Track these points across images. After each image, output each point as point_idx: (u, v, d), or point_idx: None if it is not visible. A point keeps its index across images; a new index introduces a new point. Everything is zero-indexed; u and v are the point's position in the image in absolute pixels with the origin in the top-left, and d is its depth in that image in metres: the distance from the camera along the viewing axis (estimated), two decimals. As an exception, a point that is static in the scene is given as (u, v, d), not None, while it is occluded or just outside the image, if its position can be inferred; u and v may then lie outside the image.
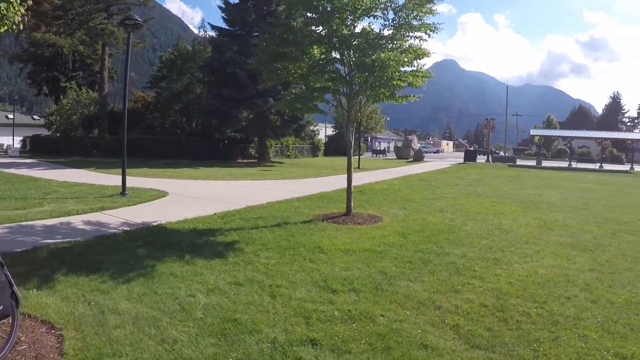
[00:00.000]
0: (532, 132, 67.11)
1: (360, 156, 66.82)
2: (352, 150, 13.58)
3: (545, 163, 58.14)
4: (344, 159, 37.29)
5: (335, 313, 5.82)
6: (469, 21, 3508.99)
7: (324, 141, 66.36)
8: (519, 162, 58.06)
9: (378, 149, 76.28)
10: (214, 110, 38.16)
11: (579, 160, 62.07)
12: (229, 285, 6.69)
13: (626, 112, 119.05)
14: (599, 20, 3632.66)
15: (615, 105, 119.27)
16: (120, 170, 16.14)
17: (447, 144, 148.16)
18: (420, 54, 12.10)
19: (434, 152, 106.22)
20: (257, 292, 6.41)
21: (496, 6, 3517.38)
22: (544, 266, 8.43)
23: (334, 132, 75.57)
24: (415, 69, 12.25)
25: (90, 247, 8.58)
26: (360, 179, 25.33)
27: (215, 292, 6.42)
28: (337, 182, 22.67)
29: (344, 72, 12.32)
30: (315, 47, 12.17)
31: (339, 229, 10.79)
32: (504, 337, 5.35)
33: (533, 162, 55.81)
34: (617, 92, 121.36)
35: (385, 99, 12.97)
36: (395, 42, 11.93)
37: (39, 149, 49.24)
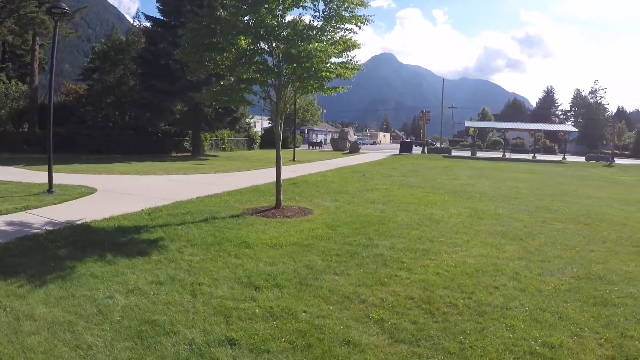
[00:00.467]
0: (467, 124, 68.69)
1: (297, 148, 66.89)
2: (280, 143, 13.21)
3: (480, 154, 59.52)
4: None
5: (257, 311, 5.57)
6: (408, 16, 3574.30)
7: (260, 134, 65.59)
8: (454, 153, 59.17)
9: (315, 141, 76.01)
10: (146, 103, 36.98)
11: (513, 151, 63.99)
12: (149, 285, 6.35)
13: (559, 106, 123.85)
14: (534, 19, 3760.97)
15: (548, 99, 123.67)
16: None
17: (384, 136, 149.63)
18: (350, 45, 11.92)
19: (370, 144, 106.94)
20: (177, 291, 6.17)
21: (435, 2, 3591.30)
22: (473, 255, 8.36)
23: (270, 125, 74.90)
24: (345, 60, 12.17)
25: (10, 249, 8.04)
26: (294, 171, 25.18)
27: (135, 293, 6.07)
28: (271, 174, 21.98)
29: (272, 63, 12.06)
30: (242, 37, 11.75)
31: (268, 223, 10.57)
32: (429, 330, 5.17)
33: (468, 153, 57.10)
34: (551, 87, 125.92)
35: (314, 91, 12.75)
36: (325, 33, 11.73)
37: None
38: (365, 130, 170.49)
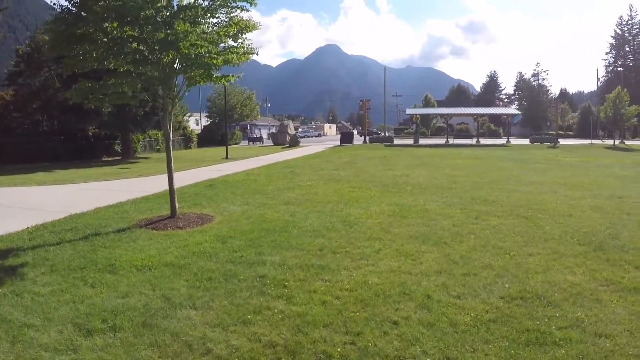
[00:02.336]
0: (409, 111, 67.84)
1: (236, 145, 64.91)
2: (171, 143, 11.55)
3: (424, 141, 58.71)
4: (218, 150, 35.92)
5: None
6: (352, 6, 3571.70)
7: (197, 132, 63.09)
8: (397, 141, 58.13)
9: (254, 136, 73.77)
10: (71, 106, 34.42)
11: (458, 137, 63.34)
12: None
13: (503, 90, 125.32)
14: (478, 6, 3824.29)
15: (492, 84, 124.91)
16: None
17: (330, 127, 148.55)
18: (243, 27, 10.49)
19: (315, 136, 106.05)
20: (-2, 338, 4.91)
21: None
22: (380, 271, 6.67)
23: (209, 122, 72.44)
24: (235, 45, 10.84)
25: None
26: (221, 170, 23.47)
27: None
28: (195, 176, 20.86)
29: (147, 52, 10.27)
30: (113, 23, 9.85)
31: (153, 237, 9.18)
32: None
33: (411, 141, 55.92)
34: (494, 71, 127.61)
35: (202, 81, 11.04)
36: (213, 14, 10.35)
37: None
38: (311, 123, 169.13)
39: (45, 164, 32.83)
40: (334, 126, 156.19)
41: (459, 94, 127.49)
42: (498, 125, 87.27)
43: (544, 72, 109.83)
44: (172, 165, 11.39)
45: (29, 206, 13.81)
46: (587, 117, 78.49)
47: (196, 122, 78.41)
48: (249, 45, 10.89)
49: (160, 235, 9.32)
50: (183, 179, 19.37)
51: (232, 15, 10.50)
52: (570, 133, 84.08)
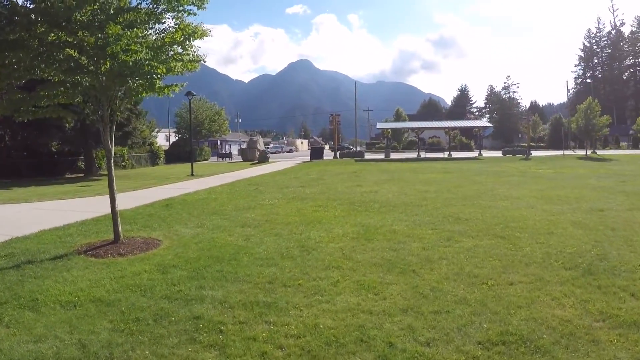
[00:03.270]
0: (380, 125, 67.22)
1: (205, 161, 63.61)
2: (112, 161, 10.54)
3: (395, 155, 58.15)
4: (185, 166, 34.73)
5: None
6: (324, 22, 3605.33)
7: (164, 148, 61.57)
8: (368, 156, 57.47)
9: (224, 152, 72.57)
10: (32, 121, 32.75)
11: (430, 150, 63.02)
12: None
13: (474, 103, 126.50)
14: (448, 21, 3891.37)
15: (463, 97, 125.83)
16: None
17: (302, 143, 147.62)
18: (190, 32, 9.55)
19: (287, 152, 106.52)
20: None
21: (350, 7, 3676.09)
22: (335, 310, 5.65)
23: (178, 138, 71.07)
24: (181, 51, 9.86)
25: None
26: (183, 188, 22.31)
27: None
28: (155, 194, 19.89)
29: (83, 59, 9.26)
30: (41, 27, 8.87)
31: (90, 266, 8.24)
32: None
33: (383, 156, 55.21)
34: (465, 85, 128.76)
35: (144, 92, 10.04)
36: (156, 18, 9.43)
37: None
38: (283, 138, 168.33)
39: (5, 180, 31.52)
40: (305, 141, 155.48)
41: (430, 108, 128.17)
42: (470, 139, 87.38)
43: (514, 85, 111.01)
44: (115, 185, 10.41)
45: None
46: (558, 128, 79.19)
47: (166, 138, 77.00)
48: (194, 52, 9.96)
49: (98, 263, 8.40)
50: (142, 197, 18.70)
51: (179, 20, 9.56)
52: (542, 144, 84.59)
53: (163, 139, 75.09)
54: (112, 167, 10.39)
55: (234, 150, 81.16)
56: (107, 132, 10.14)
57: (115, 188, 10.36)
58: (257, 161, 51.58)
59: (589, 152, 53.02)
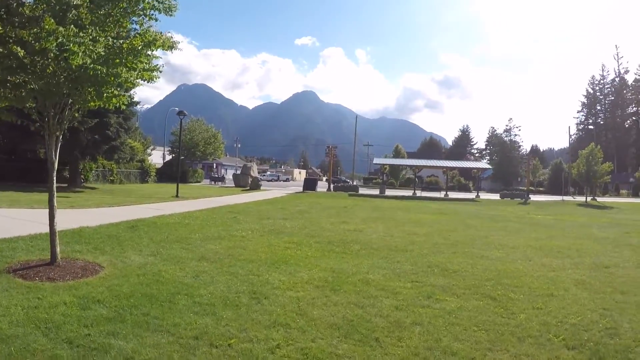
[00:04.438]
0: (376, 160, 65.95)
1: (197, 183, 62.31)
2: (54, 176, 9.42)
3: (392, 192, 56.81)
4: (174, 186, 33.63)
5: None
6: (331, 55, 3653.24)
7: (155, 166, 60.33)
8: (364, 191, 56.06)
9: (216, 176, 71.25)
10: (19, 124, 31.75)
11: (428, 189, 61.60)
12: None
13: (475, 144, 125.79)
14: (454, 62, 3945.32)
15: (464, 138, 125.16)
16: None
17: (300, 173, 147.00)
18: (150, 39, 8.48)
19: (284, 180, 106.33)
20: None
21: (358, 42, 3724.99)
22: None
23: (172, 157, 69.90)
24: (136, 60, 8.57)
25: None
26: (160, 209, 21.10)
27: None
28: (128, 213, 18.89)
29: (28, 59, 8.07)
30: None
31: (9, 289, 7.31)
32: None
33: (378, 191, 53.82)
34: (467, 125, 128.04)
35: (92, 101, 9.07)
36: (115, 22, 8.44)
37: None
38: (281, 167, 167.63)
39: None
40: (304, 172, 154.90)
41: (431, 147, 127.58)
42: (468, 179, 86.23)
43: (516, 127, 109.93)
44: (55, 201, 9.33)
45: None
46: (558, 173, 78.02)
47: (163, 157, 75.88)
48: (149, 61, 8.84)
49: (21, 286, 7.47)
50: (112, 215, 17.99)
51: (139, 25, 8.62)
52: (541, 189, 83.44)
53: (159, 156, 73.93)
54: (54, 181, 9.33)
55: (230, 174, 79.98)
56: (52, 142, 9.14)
57: (55, 205, 9.33)
58: (248, 188, 50.31)
59: (589, 198, 51.84)
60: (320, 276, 8.99)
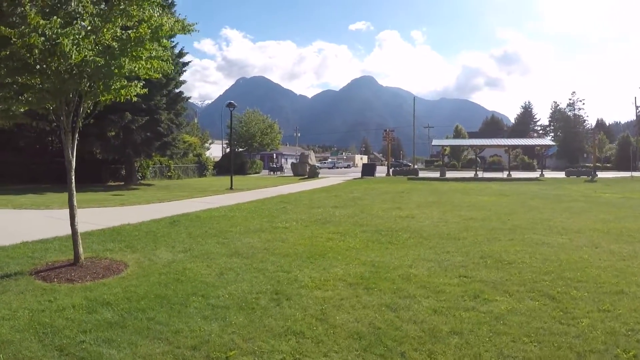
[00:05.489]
0: (435, 142, 63.88)
1: (257, 174, 62.18)
2: (73, 173, 8.87)
3: (453, 174, 55.07)
4: (230, 179, 33.46)
5: None
6: (387, 38, 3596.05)
7: (214, 159, 60.53)
8: (424, 174, 54.57)
9: (274, 166, 70.93)
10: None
11: (490, 170, 59.39)
12: None
13: (538, 121, 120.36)
14: (511, 36, 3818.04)
15: (526, 115, 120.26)
16: None
17: (362, 158, 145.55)
18: (155, 26, 7.86)
19: (344, 167, 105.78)
20: None
21: (413, 23, 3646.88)
22: None
23: (232, 150, 70.22)
24: (149, 50, 8.14)
25: None
26: (209, 203, 20.69)
27: None
28: (176, 208, 18.52)
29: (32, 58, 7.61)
30: None
31: (25, 291, 7.01)
32: None
33: (438, 174, 52.15)
34: (529, 102, 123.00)
35: (103, 96, 8.46)
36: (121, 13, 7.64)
37: None
38: (342, 154, 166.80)
39: (45, 185, 31.81)
40: (365, 157, 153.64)
41: (493, 126, 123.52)
42: (532, 158, 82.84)
43: (580, 101, 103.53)
44: (74, 201, 8.84)
45: None
46: (626, 148, 73.64)
47: (222, 150, 76.31)
48: (159, 50, 8.29)
49: (38, 289, 7.15)
50: (158, 211, 17.56)
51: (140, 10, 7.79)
52: (609, 165, 79.23)
53: (218, 150, 74.33)
54: (73, 181, 8.81)
55: (281, 164, 79.70)
56: (69, 141, 8.58)
57: (75, 204, 8.83)
58: (306, 176, 49.67)
59: (660, 174, 48.56)
60: (356, 272, 8.07)
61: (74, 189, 8.78)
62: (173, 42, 43.30)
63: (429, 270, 8.17)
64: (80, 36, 6.89)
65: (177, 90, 36.38)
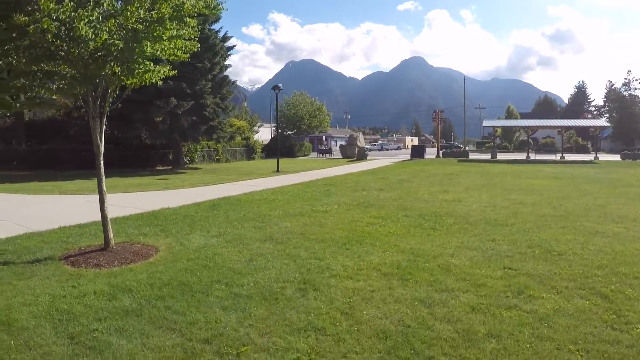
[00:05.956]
0: (486, 123, 61.68)
1: (305, 157, 61.88)
2: (101, 158, 8.82)
3: (504, 156, 53.33)
4: (280, 161, 33.26)
5: None
6: (436, 17, 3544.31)
7: (263, 142, 60.48)
8: (474, 156, 53.07)
9: (323, 148, 70.32)
10: (118, 116, 33.42)
11: (543, 152, 57.41)
12: None
13: (592, 102, 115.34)
14: (563, 14, 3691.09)
15: (580, 95, 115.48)
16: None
17: (412, 140, 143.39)
18: (176, 4, 7.57)
19: (395, 149, 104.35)
20: None
21: (462, 2, 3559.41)
22: None
23: (279, 132, 70.09)
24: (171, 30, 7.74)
25: None
26: (254, 186, 20.52)
27: None
28: (220, 191, 18.32)
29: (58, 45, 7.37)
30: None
31: (53, 276, 6.92)
32: None
33: (489, 156, 50.68)
34: (582, 82, 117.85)
35: (124, 78, 8.15)
36: None
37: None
38: (393, 135, 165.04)
39: (94, 170, 31.54)
40: (416, 139, 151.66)
41: (546, 107, 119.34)
42: (586, 140, 79.66)
43: (636, 80, 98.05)
44: (104, 186, 8.76)
45: (16, 218, 12.38)
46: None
47: (270, 133, 76.36)
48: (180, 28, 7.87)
49: (64, 274, 7.07)
50: (201, 194, 17.38)
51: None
52: (668, 147, 75.58)
53: (267, 133, 74.35)
54: (102, 165, 8.75)
55: (331, 146, 78.98)
56: (97, 126, 8.47)
57: (104, 189, 8.77)
58: (355, 158, 49.01)
59: None
60: (393, 260, 7.57)
61: (102, 174, 8.68)
62: (217, 27, 43.22)
63: (471, 260, 7.59)
64: (94, 18, 6.63)
65: (222, 75, 36.28)
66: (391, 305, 5.53)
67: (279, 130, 68.75)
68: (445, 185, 19.89)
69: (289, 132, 70.22)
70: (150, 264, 7.56)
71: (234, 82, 40.41)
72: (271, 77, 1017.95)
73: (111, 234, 8.69)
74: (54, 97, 9.03)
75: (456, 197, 15.83)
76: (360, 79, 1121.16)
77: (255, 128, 64.33)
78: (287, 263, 7.43)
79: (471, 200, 15.06)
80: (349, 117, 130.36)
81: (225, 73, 36.95)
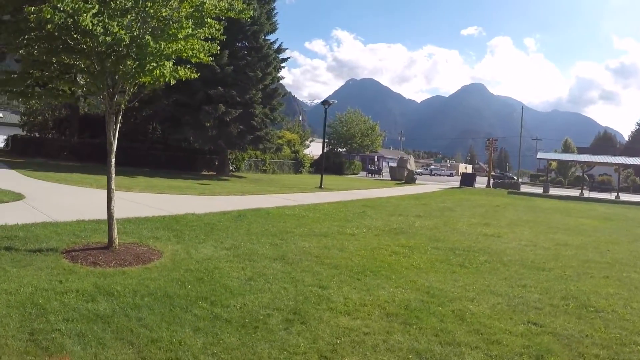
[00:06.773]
0: (540, 155, 59.27)
1: (354, 175, 61.21)
2: (113, 156, 8.47)
3: (557, 191, 51.04)
4: (328, 178, 32.68)
5: None
6: (499, 44, 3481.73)
7: (312, 157, 60.07)
8: (525, 188, 50.96)
9: (373, 168, 69.43)
10: (168, 117, 33.94)
11: (599, 189, 54.72)
12: None
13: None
14: (629, 47, 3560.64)
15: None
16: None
17: (466, 168, 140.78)
18: (196, 4, 7.44)
19: (447, 175, 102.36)
20: None
21: (526, 30, 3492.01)
22: None
23: (329, 149, 69.55)
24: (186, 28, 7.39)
25: None
26: (291, 200, 20.04)
27: None
28: (249, 202, 17.78)
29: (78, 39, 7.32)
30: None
31: (47, 268, 6.83)
32: None
33: (541, 190, 48.55)
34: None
35: (137, 75, 7.77)
36: None
37: (16, 149, 44.21)
38: (446, 161, 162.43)
39: (144, 169, 33.11)
40: (470, 167, 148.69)
41: (605, 142, 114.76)
42: (645, 179, 75.92)
43: None
44: (113, 184, 8.55)
45: (42, 206, 12.38)
46: None
47: (322, 149, 76.18)
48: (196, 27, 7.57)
49: (58, 268, 6.92)
50: (233, 203, 17.16)
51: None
52: None
53: (318, 148, 74.24)
54: (113, 164, 8.45)
55: (381, 167, 77.94)
56: (111, 122, 8.19)
57: (113, 188, 8.55)
58: (403, 181, 47.97)
59: None
60: (403, 298, 6.72)
61: (113, 172, 8.40)
62: (272, 38, 43.04)
63: (493, 308, 6.62)
64: (94, 11, 6.19)
65: (273, 86, 36.14)
66: (380, 355, 4.69)
67: (329, 147, 68.26)
68: (487, 218, 18.77)
69: (340, 149, 69.67)
70: (146, 269, 7.23)
71: (285, 94, 40.29)
72: (331, 93, 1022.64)
73: (115, 234, 8.47)
74: (72, 89, 8.72)
75: (496, 231, 14.75)
76: (419, 101, 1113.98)
77: (307, 142, 64.13)
78: (287, 287, 6.76)
79: (511, 236, 13.97)
80: (403, 138, 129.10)
81: (278, 84, 36.94)
